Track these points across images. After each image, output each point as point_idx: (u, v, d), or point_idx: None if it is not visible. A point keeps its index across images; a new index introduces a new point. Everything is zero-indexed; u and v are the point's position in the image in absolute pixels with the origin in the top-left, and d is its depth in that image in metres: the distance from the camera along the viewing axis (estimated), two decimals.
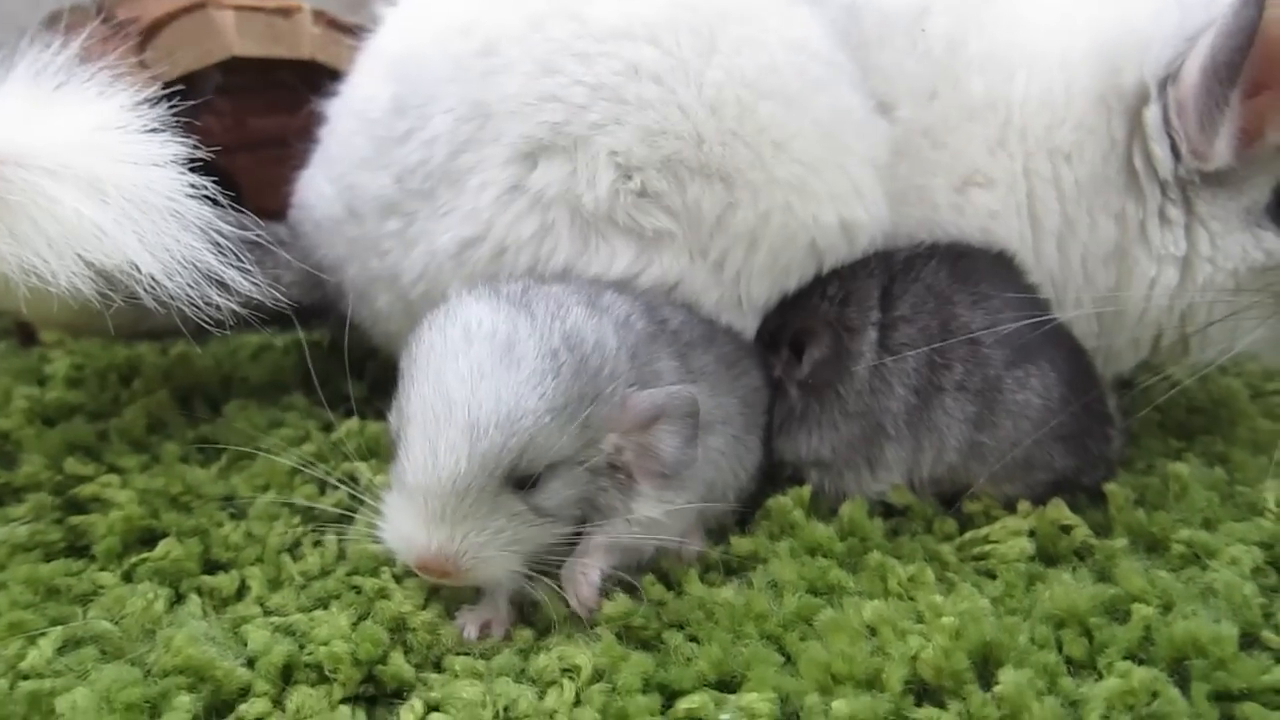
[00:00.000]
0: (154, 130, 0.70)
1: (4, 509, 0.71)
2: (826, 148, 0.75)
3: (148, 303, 0.67)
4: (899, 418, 0.75)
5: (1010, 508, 0.76)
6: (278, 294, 0.72)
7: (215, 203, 0.69)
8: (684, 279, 0.77)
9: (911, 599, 0.65)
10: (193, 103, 0.73)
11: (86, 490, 0.72)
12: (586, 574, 0.61)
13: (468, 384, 0.57)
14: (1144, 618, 0.60)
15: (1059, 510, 0.74)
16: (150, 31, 0.93)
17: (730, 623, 0.61)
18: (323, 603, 0.64)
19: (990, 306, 0.76)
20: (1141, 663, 0.57)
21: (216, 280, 0.68)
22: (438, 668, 0.60)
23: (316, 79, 0.96)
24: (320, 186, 0.86)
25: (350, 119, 0.84)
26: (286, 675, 0.57)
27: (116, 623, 0.60)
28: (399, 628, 0.61)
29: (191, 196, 0.69)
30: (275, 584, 0.66)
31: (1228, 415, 0.92)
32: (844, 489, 0.77)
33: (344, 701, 0.56)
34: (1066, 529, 0.73)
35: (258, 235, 0.73)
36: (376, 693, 0.58)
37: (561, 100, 0.73)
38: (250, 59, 1.01)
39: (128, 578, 0.66)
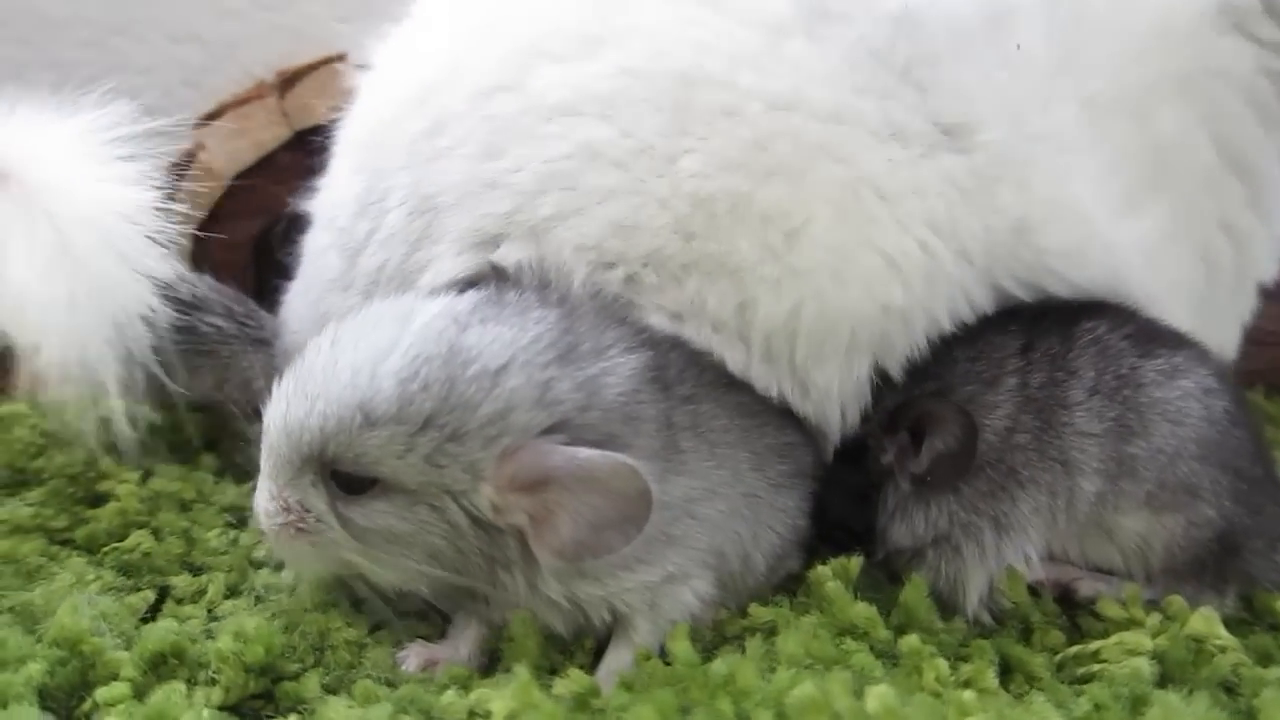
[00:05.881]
0: (156, 236, 0.65)
1: (30, 491, 0.71)
2: (850, 224, 0.61)
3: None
4: (1029, 451, 0.61)
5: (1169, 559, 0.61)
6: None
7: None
8: (729, 359, 0.63)
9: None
10: None
11: (104, 485, 0.71)
12: None
13: (325, 351, 0.52)
14: None
15: (1207, 623, 0.56)
16: (289, 83, 0.98)
17: (703, 693, 0.49)
18: (274, 616, 0.58)
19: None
20: None
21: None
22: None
23: None
24: (298, 310, 0.74)
25: (321, 231, 0.72)
26: (160, 667, 0.50)
27: (46, 599, 0.56)
28: (320, 645, 0.54)
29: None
30: (234, 592, 0.61)
31: None
32: (963, 569, 0.62)
33: (228, 708, 0.49)
34: (1213, 648, 0.55)
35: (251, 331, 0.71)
36: (276, 711, 0.51)
37: (505, 187, 0.61)
38: None
39: (98, 565, 0.63)
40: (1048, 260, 0.65)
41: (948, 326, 0.64)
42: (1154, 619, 0.58)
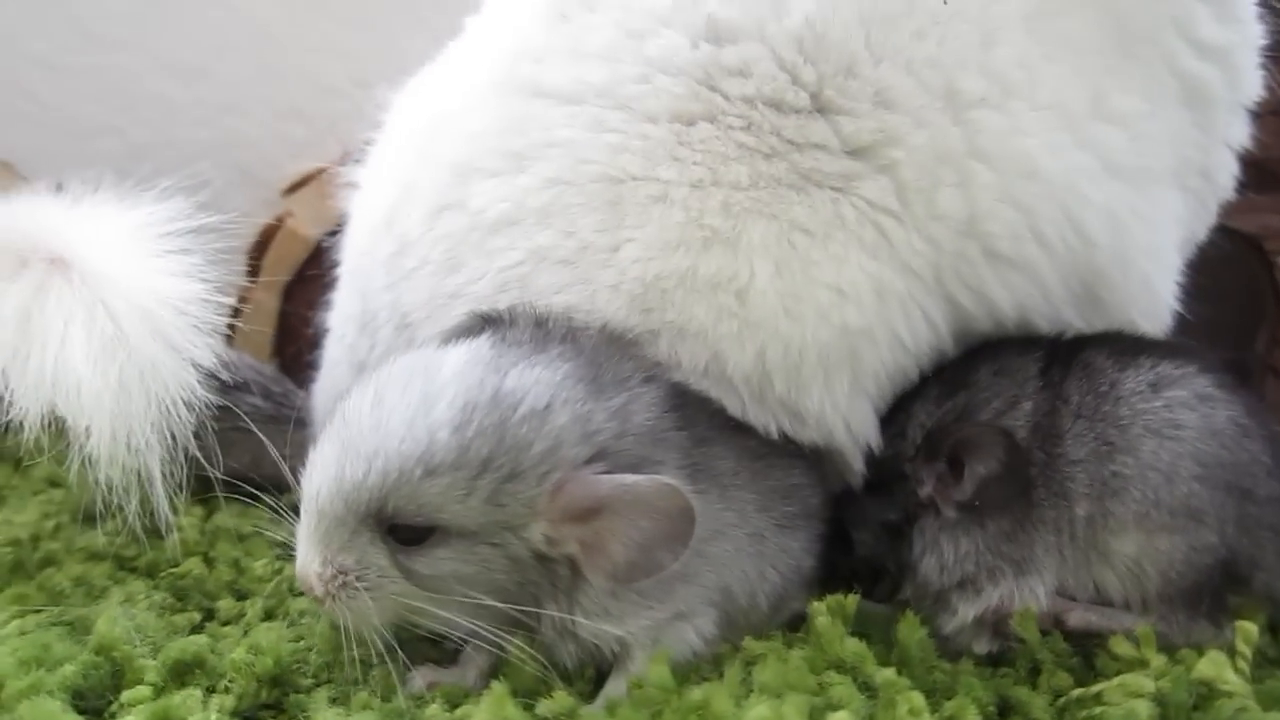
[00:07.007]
0: (201, 329, 0.69)
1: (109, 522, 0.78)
2: (791, 273, 0.63)
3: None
4: (1038, 489, 0.61)
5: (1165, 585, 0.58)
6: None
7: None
8: (727, 404, 0.65)
9: None
10: None
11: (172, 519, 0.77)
12: None
13: (369, 407, 0.54)
14: None
15: (1216, 666, 0.54)
16: None
17: (676, 716, 0.51)
18: (299, 636, 0.63)
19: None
20: None
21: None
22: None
23: None
24: (323, 408, 0.80)
25: (334, 344, 0.78)
26: (185, 675, 0.55)
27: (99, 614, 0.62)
28: (331, 663, 0.58)
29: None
30: (270, 615, 0.66)
31: None
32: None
33: (238, 714, 0.54)
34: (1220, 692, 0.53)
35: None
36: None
37: (466, 296, 0.65)
38: None
39: (154, 588, 0.69)
40: (996, 245, 0.65)
41: (911, 344, 0.65)
42: (1160, 660, 0.56)
